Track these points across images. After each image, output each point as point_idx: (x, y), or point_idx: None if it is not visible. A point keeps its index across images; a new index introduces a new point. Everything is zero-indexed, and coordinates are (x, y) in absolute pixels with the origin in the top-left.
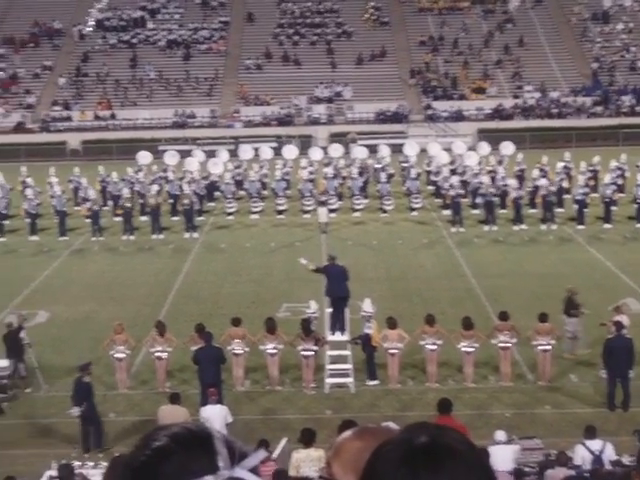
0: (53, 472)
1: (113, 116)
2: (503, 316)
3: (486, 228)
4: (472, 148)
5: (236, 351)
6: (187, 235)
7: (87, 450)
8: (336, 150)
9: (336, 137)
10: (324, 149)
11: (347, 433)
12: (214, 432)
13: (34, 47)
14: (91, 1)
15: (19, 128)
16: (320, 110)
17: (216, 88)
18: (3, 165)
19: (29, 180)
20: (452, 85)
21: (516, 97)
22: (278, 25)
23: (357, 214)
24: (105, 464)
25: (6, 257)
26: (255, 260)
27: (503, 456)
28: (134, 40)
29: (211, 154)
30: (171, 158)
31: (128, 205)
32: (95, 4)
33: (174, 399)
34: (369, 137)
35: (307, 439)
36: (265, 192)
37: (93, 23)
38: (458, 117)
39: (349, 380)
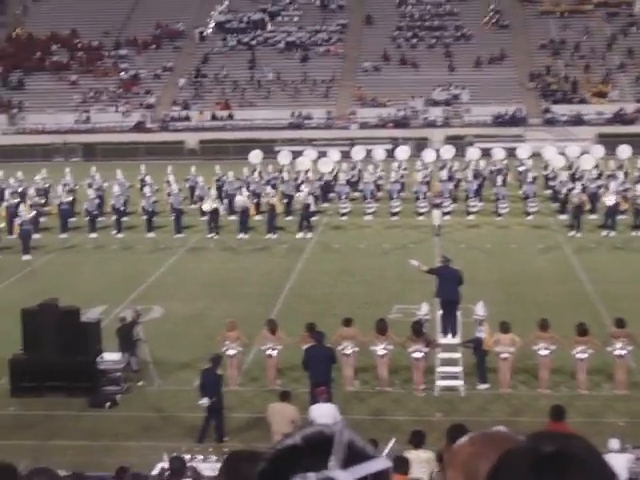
0: (165, 464)
1: (231, 116)
2: (619, 323)
3: (604, 233)
4: (587, 152)
5: (346, 351)
6: (301, 235)
7: (201, 441)
8: (448, 152)
9: (452, 140)
10: (437, 152)
11: (463, 439)
12: (339, 433)
13: (156, 48)
14: (212, 4)
15: (139, 127)
16: (437, 113)
17: (333, 90)
18: (123, 163)
19: (147, 178)
20: (572, 89)
21: (638, 101)
22: (397, 28)
23: (471, 217)
24: (214, 457)
25: (123, 253)
26: (368, 261)
27: (616, 465)
28: (253, 42)
29: (324, 155)
30: (285, 158)
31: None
32: (216, 6)
33: (284, 397)
34: (486, 140)
35: (417, 441)
36: (379, 194)
37: (213, 25)
38: (577, 121)
39: (459, 383)
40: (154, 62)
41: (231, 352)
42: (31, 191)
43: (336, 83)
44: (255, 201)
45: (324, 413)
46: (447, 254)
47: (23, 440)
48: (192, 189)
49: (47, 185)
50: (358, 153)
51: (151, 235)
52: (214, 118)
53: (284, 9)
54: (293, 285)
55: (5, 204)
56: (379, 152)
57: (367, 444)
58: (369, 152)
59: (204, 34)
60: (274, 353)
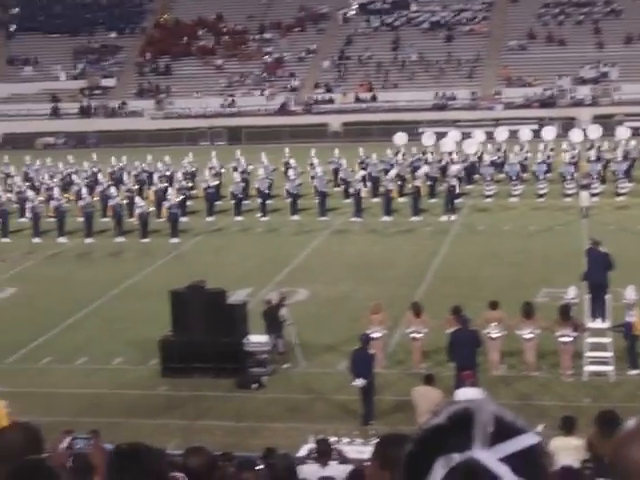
0: (311, 446)
1: (374, 98)
2: None
3: None
4: None
5: (492, 335)
6: (445, 217)
7: (366, 422)
8: (595, 132)
9: (600, 119)
10: (585, 131)
11: (630, 425)
12: (482, 409)
13: (299, 31)
14: None
15: (283, 110)
16: (584, 91)
17: (477, 70)
18: (267, 146)
19: (291, 161)
20: None
21: None
22: (543, 5)
23: (621, 198)
24: (360, 440)
25: (269, 236)
26: (514, 243)
27: None
28: (397, 22)
29: (468, 136)
30: (428, 139)
31: (390, 188)
32: None
33: (428, 380)
34: (636, 119)
35: (568, 427)
36: (525, 175)
37: (357, 6)
38: None
39: (609, 369)
40: (298, 45)
41: (376, 335)
42: (178, 175)
43: (481, 63)
44: (399, 183)
45: (470, 397)
46: (595, 236)
47: (173, 420)
48: (336, 171)
49: (194, 169)
50: (502, 134)
51: (296, 218)
52: (357, 100)
53: None
54: (438, 268)
55: (153, 188)
56: (525, 132)
57: (518, 418)
58: (514, 133)
59: (347, 16)
60: (419, 336)
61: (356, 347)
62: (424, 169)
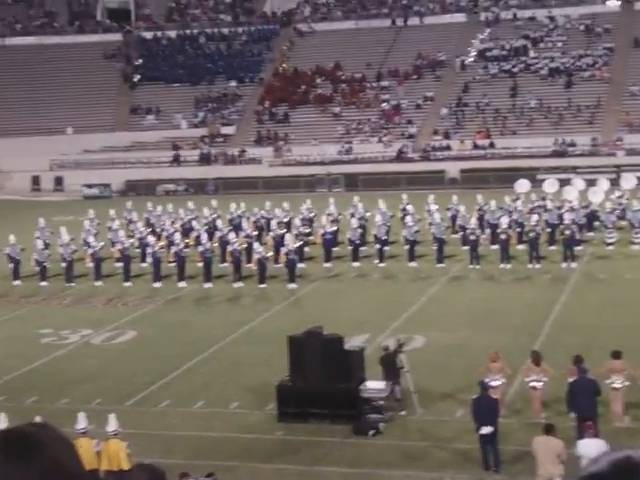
0: None
1: (492, 145)
2: None
3: None
4: None
5: (616, 385)
6: (565, 265)
7: (487, 468)
8: None
9: None
10: None
11: None
12: None
13: (417, 78)
14: (474, 32)
15: (400, 157)
16: None
17: (598, 116)
18: (384, 193)
19: (409, 207)
20: None
21: None
22: None
23: None
24: None
25: (386, 282)
26: (636, 292)
27: None
28: (515, 69)
29: (591, 183)
30: (550, 187)
31: (504, 236)
32: (477, 35)
33: (549, 430)
34: None
35: None
36: None
37: (475, 53)
38: None
39: None
40: (415, 92)
41: (494, 383)
42: (296, 221)
43: (601, 108)
44: (518, 230)
45: (592, 449)
46: None
47: (289, 465)
48: (454, 218)
49: (312, 215)
50: (629, 181)
51: (413, 264)
52: (475, 147)
53: (547, 35)
54: (557, 316)
55: (272, 234)
56: None
57: None
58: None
59: (465, 63)
60: (539, 385)
61: (476, 395)
62: (535, 217)
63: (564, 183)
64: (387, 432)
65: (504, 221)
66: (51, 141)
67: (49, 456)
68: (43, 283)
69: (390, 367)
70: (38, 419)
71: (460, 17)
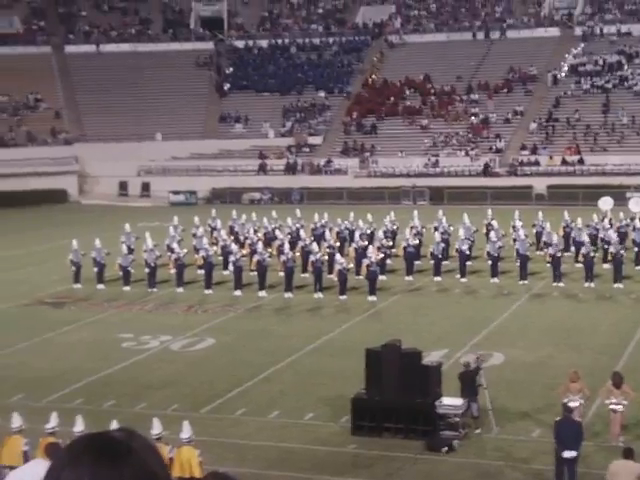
0: None
1: (581, 161)
2: None
3: None
4: None
5: None
6: None
7: None
8: None
9: None
10: None
11: None
12: None
13: (507, 92)
14: (567, 47)
15: (487, 171)
16: None
17: None
18: (469, 207)
19: (494, 223)
20: None
21: None
22: None
23: None
24: None
25: (467, 297)
26: None
27: None
28: (608, 85)
29: None
30: (636, 205)
31: (592, 255)
32: (571, 49)
33: (628, 454)
34: None
35: None
36: None
37: (567, 68)
38: None
39: None
40: (505, 106)
41: (573, 404)
42: (380, 233)
43: None
44: (605, 249)
45: None
46: None
47: (361, 478)
48: (539, 235)
49: (395, 227)
50: None
51: (495, 280)
52: (564, 163)
53: None
54: None
55: (354, 245)
56: None
57: None
58: None
59: (557, 77)
60: (619, 408)
61: (559, 417)
62: (632, 236)
63: None
64: (461, 450)
65: (585, 238)
66: (140, 147)
67: (139, 462)
68: (126, 288)
69: (469, 384)
70: (115, 424)
71: (554, 31)
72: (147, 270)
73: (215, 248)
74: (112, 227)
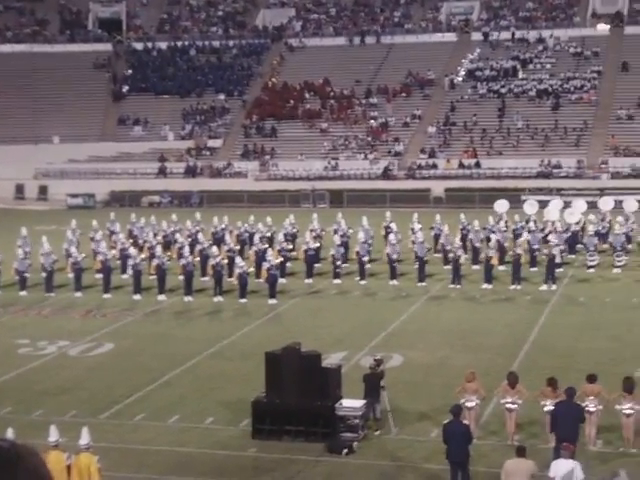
0: None
1: (478, 165)
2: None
3: None
4: None
5: (590, 409)
6: (545, 287)
7: None
8: None
9: None
10: None
11: None
12: None
13: (405, 96)
14: (464, 52)
15: (386, 175)
16: None
17: (584, 138)
18: (369, 210)
19: (392, 225)
20: None
21: None
22: None
23: None
24: None
25: (366, 300)
26: (615, 315)
27: None
28: (503, 90)
29: (570, 205)
30: (530, 207)
31: (490, 255)
32: (467, 54)
33: (520, 452)
34: None
35: None
36: (630, 246)
37: (464, 73)
38: None
39: None
40: (403, 110)
41: (469, 404)
42: (280, 236)
43: (588, 131)
44: (500, 251)
45: (565, 469)
46: None
47: None
48: (437, 237)
49: (295, 230)
50: (607, 203)
51: (394, 282)
52: (461, 166)
53: (537, 56)
54: (536, 338)
55: (254, 248)
56: (631, 203)
57: None
58: (618, 203)
59: (454, 82)
60: (514, 407)
61: (448, 419)
62: (525, 236)
63: (545, 204)
64: (361, 451)
65: (493, 241)
66: (37, 150)
67: (29, 468)
68: (22, 293)
69: (373, 386)
70: (10, 432)
71: (451, 36)
72: (44, 274)
73: (114, 252)
74: (8, 231)
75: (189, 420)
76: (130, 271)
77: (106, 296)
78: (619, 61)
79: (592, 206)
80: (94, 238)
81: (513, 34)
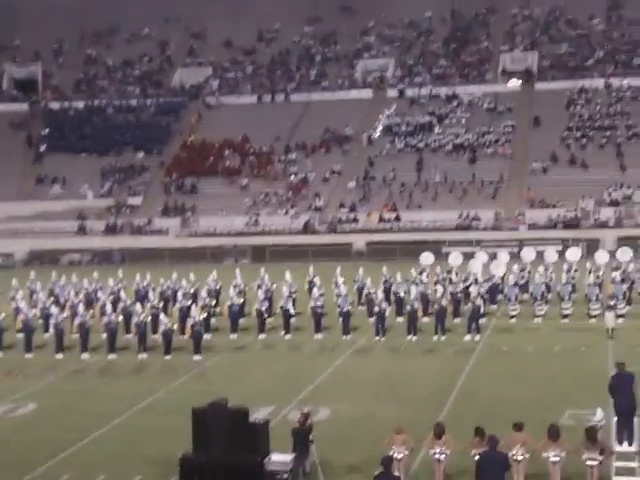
0: None
1: (398, 218)
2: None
3: None
4: None
5: (518, 457)
6: (469, 337)
7: None
8: (625, 253)
9: (624, 240)
10: (611, 253)
11: None
12: None
13: (325, 152)
14: (380, 108)
15: (307, 229)
16: (608, 213)
17: (501, 191)
18: (291, 264)
19: (316, 279)
20: None
21: None
22: (566, 128)
23: None
24: None
25: (291, 354)
26: (538, 364)
27: None
28: (421, 144)
29: (494, 256)
30: (455, 260)
31: (416, 307)
32: (385, 110)
33: None
34: None
35: None
36: (550, 296)
37: (381, 129)
38: None
39: None
40: (323, 165)
41: (398, 455)
42: (203, 292)
43: (504, 184)
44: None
45: None
46: (620, 358)
47: None
48: (360, 290)
49: (218, 286)
50: (529, 254)
51: (319, 336)
52: (381, 220)
53: (452, 112)
54: (461, 387)
55: (178, 305)
56: (550, 253)
57: None
58: (540, 253)
59: (372, 137)
60: (442, 457)
61: (379, 471)
62: (440, 290)
63: (468, 256)
64: None
65: (412, 293)
66: None
67: None
68: None
69: (302, 440)
70: None
71: (367, 93)
72: None
73: (35, 311)
74: None
75: (116, 479)
76: (52, 330)
77: (28, 355)
78: (530, 116)
79: (513, 257)
80: (14, 297)
81: (429, 91)
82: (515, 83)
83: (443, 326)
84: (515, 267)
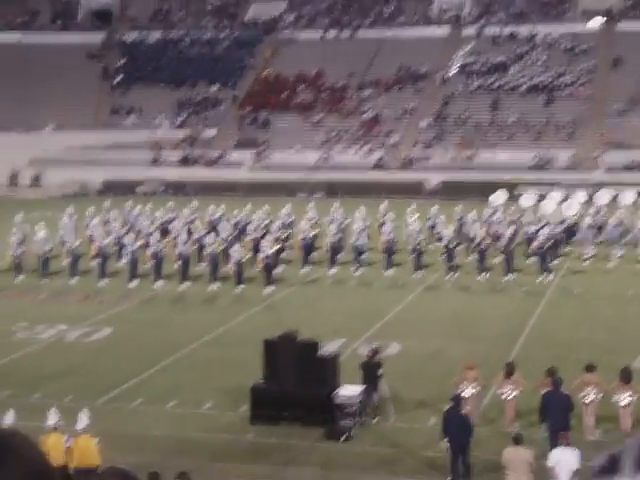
0: None
1: (471, 157)
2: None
3: None
4: None
5: (588, 399)
6: (541, 278)
7: (454, 478)
8: None
9: None
10: None
11: None
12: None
13: (398, 90)
14: (456, 46)
15: (380, 166)
16: None
17: (578, 133)
18: (364, 201)
19: (388, 216)
20: None
21: None
22: None
23: None
24: None
25: (362, 289)
26: (611, 308)
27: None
28: (496, 85)
29: (569, 197)
30: (527, 200)
31: (482, 246)
32: (460, 49)
33: (518, 440)
34: None
35: None
36: (625, 239)
37: (457, 68)
38: None
39: None
40: (396, 103)
41: (468, 393)
42: (275, 226)
43: (581, 126)
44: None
45: (565, 457)
46: None
47: (259, 466)
48: (432, 228)
49: (291, 220)
50: (603, 197)
51: (390, 272)
52: (455, 159)
53: (528, 52)
54: (532, 329)
55: (250, 237)
56: (626, 196)
57: None
58: (615, 196)
59: (446, 76)
60: (511, 396)
61: (448, 407)
62: (511, 230)
63: (541, 197)
64: (359, 438)
65: (481, 233)
66: (31, 138)
67: (25, 458)
68: (18, 278)
69: (371, 374)
70: (12, 414)
71: (443, 31)
72: (40, 260)
73: (109, 239)
74: (2, 218)
75: (187, 405)
76: (126, 258)
77: (102, 283)
78: (610, 57)
79: (589, 200)
80: (90, 225)
81: (505, 31)
82: (596, 23)
83: (512, 266)
84: (591, 209)
